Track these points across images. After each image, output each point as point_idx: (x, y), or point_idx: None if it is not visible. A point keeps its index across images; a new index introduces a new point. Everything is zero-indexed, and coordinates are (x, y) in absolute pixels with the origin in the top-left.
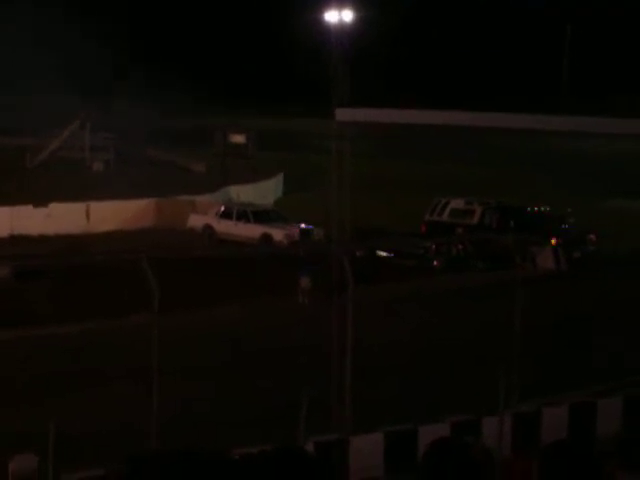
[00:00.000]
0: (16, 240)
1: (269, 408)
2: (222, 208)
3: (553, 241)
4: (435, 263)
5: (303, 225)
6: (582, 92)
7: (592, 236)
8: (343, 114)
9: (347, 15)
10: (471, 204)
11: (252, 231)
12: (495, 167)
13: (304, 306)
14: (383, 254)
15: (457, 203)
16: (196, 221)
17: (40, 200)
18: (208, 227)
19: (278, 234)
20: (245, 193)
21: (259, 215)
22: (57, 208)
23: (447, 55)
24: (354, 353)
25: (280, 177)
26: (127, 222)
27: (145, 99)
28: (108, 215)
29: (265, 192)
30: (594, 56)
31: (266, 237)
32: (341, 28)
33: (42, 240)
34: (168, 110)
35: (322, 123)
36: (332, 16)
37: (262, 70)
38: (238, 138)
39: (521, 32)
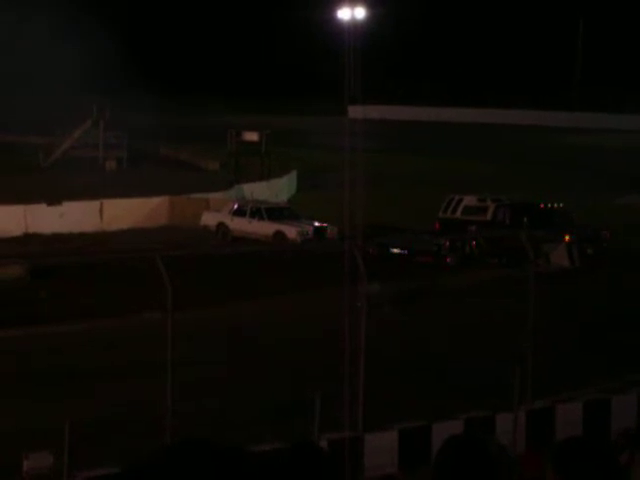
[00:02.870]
0: (30, 238)
1: (282, 405)
2: (235, 206)
3: (567, 238)
4: (448, 260)
5: (317, 223)
6: (595, 87)
7: (606, 232)
8: (355, 111)
9: (359, 12)
10: (484, 201)
11: (265, 229)
12: (507, 163)
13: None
14: (397, 251)
15: (470, 200)
16: (210, 219)
17: (54, 198)
18: (222, 225)
19: (291, 232)
20: (258, 191)
21: (272, 212)
22: (71, 206)
23: (458, 51)
24: (367, 350)
25: (293, 174)
26: (140, 220)
27: (157, 97)
28: (121, 213)
29: (278, 189)
30: (607, 51)
31: (279, 235)
32: (354, 25)
33: (56, 238)
34: (181, 108)
35: (334, 120)
36: (345, 13)
37: (274, 67)
38: (252, 136)
39: (534, 28)
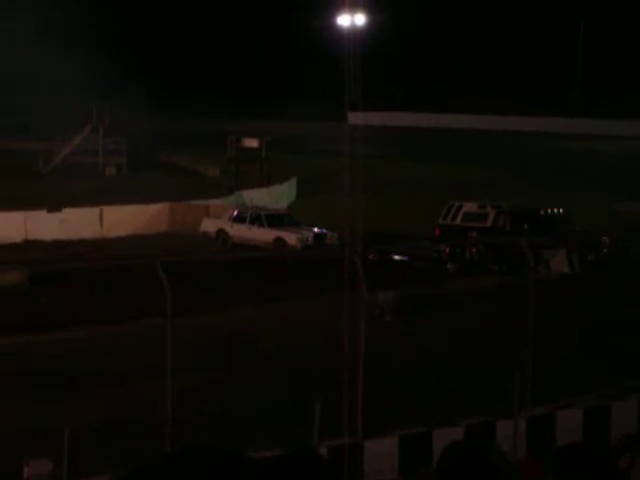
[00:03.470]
0: (30, 245)
1: (282, 410)
2: (235, 212)
3: (567, 244)
4: (449, 266)
5: (316, 229)
6: (595, 89)
7: (605, 238)
8: (355, 117)
9: (359, 19)
10: (484, 207)
11: (265, 235)
12: (507, 169)
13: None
14: (397, 257)
15: (470, 207)
16: (209, 225)
17: (54, 205)
18: (221, 231)
19: (291, 238)
20: (258, 197)
21: (272, 219)
22: (71, 213)
23: (459, 55)
24: (367, 356)
25: (293, 181)
26: (140, 227)
27: (157, 99)
28: (121, 220)
29: (278, 196)
30: (608, 53)
31: (279, 241)
32: (353, 32)
33: (56, 245)
34: (180, 110)
35: (334, 126)
36: (344, 20)
37: (275, 74)
38: (252, 142)
39: (534, 31)
